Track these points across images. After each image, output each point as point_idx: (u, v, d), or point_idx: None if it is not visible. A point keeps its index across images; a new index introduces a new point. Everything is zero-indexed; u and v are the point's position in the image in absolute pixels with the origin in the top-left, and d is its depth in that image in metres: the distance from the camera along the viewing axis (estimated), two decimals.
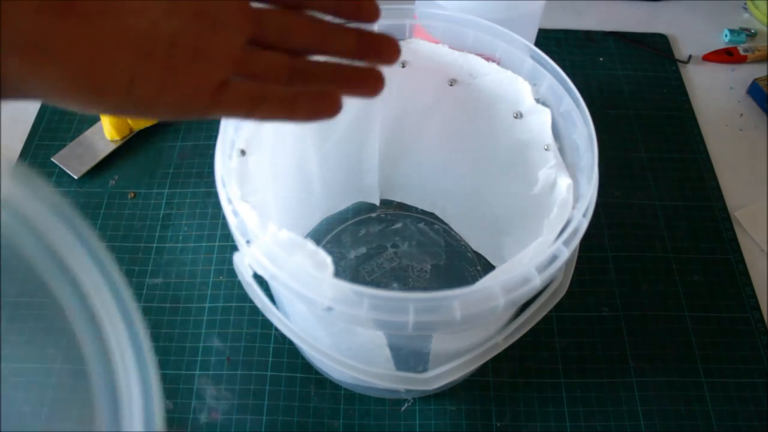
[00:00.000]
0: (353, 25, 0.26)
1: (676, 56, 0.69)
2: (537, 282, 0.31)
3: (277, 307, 0.37)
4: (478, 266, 0.53)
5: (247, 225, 0.33)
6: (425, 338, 0.36)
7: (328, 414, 0.46)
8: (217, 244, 0.54)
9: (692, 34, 0.72)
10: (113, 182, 0.57)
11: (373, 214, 0.56)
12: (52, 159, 0.58)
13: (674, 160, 0.60)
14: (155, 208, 0.56)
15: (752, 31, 0.71)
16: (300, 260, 0.31)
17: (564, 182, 0.37)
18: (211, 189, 0.58)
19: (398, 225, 0.55)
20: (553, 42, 0.70)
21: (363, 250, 0.54)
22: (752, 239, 0.55)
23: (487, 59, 0.42)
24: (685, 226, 0.56)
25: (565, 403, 0.46)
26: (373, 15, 0.26)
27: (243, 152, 0.38)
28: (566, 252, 0.32)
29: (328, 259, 0.31)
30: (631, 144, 0.62)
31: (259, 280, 0.34)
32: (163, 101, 0.23)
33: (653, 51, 0.69)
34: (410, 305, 0.29)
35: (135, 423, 0.19)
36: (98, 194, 0.57)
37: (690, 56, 0.69)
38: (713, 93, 0.66)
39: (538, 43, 0.43)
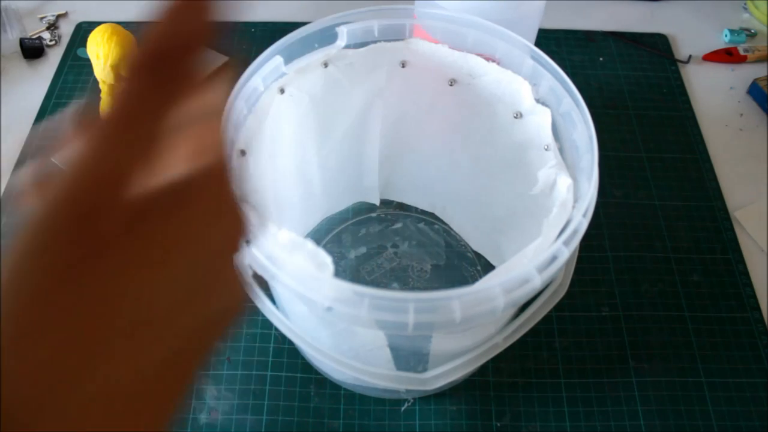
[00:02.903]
0: None
1: (676, 56, 0.69)
2: (537, 282, 0.31)
3: (277, 307, 0.37)
4: (478, 266, 0.53)
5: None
6: (425, 338, 0.36)
7: (328, 414, 0.46)
8: None
9: (692, 34, 0.71)
10: None
11: (373, 214, 0.56)
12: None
13: (674, 160, 0.60)
14: None
15: (752, 31, 0.71)
16: (300, 260, 0.31)
17: (564, 182, 0.37)
18: None
19: (398, 225, 0.55)
20: (553, 42, 0.70)
21: (363, 250, 0.54)
22: (752, 239, 0.55)
23: (487, 59, 0.42)
24: (685, 226, 0.56)
25: (565, 403, 0.46)
26: None
27: (243, 152, 0.38)
28: (566, 252, 0.32)
29: (328, 260, 0.31)
30: (631, 144, 0.62)
31: (259, 280, 0.34)
32: None
33: (653, 51, 0.69)
34: (410, 305, 0.29)
35: None
36: None
37: (690, 56, 0.69)
38: (713, 93, 0.66)
39: (538, 43, 0.43)
